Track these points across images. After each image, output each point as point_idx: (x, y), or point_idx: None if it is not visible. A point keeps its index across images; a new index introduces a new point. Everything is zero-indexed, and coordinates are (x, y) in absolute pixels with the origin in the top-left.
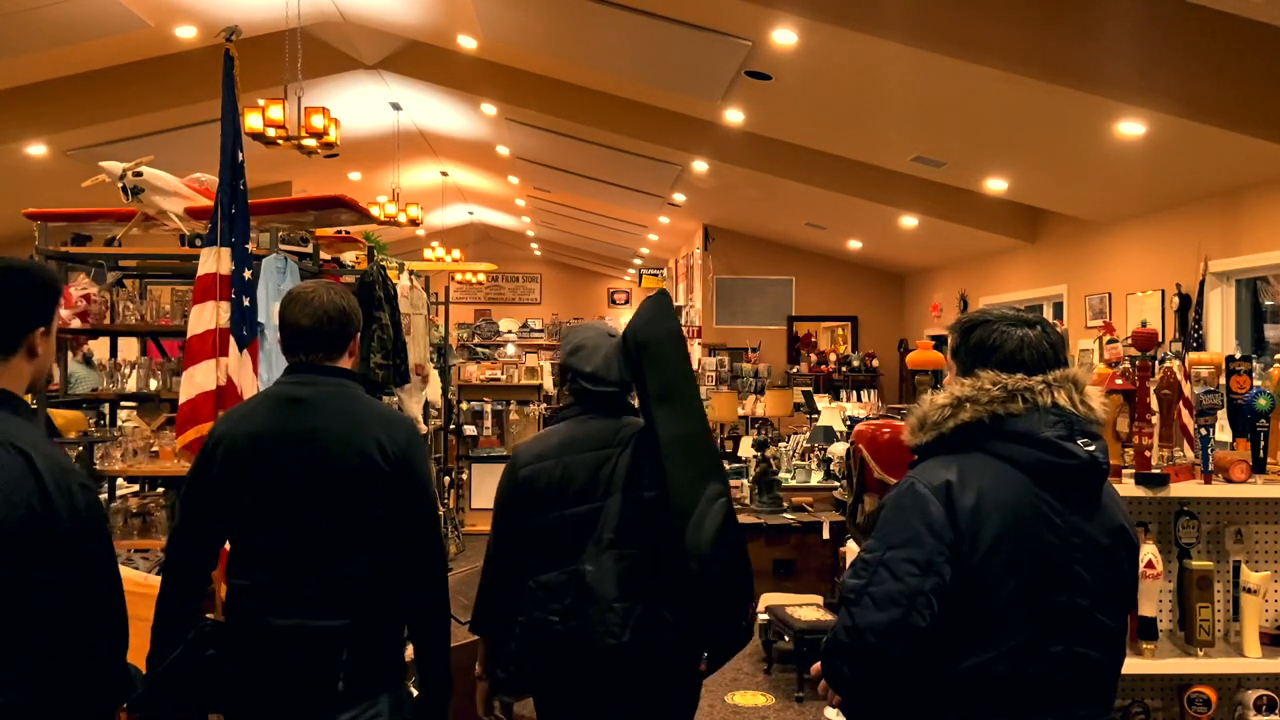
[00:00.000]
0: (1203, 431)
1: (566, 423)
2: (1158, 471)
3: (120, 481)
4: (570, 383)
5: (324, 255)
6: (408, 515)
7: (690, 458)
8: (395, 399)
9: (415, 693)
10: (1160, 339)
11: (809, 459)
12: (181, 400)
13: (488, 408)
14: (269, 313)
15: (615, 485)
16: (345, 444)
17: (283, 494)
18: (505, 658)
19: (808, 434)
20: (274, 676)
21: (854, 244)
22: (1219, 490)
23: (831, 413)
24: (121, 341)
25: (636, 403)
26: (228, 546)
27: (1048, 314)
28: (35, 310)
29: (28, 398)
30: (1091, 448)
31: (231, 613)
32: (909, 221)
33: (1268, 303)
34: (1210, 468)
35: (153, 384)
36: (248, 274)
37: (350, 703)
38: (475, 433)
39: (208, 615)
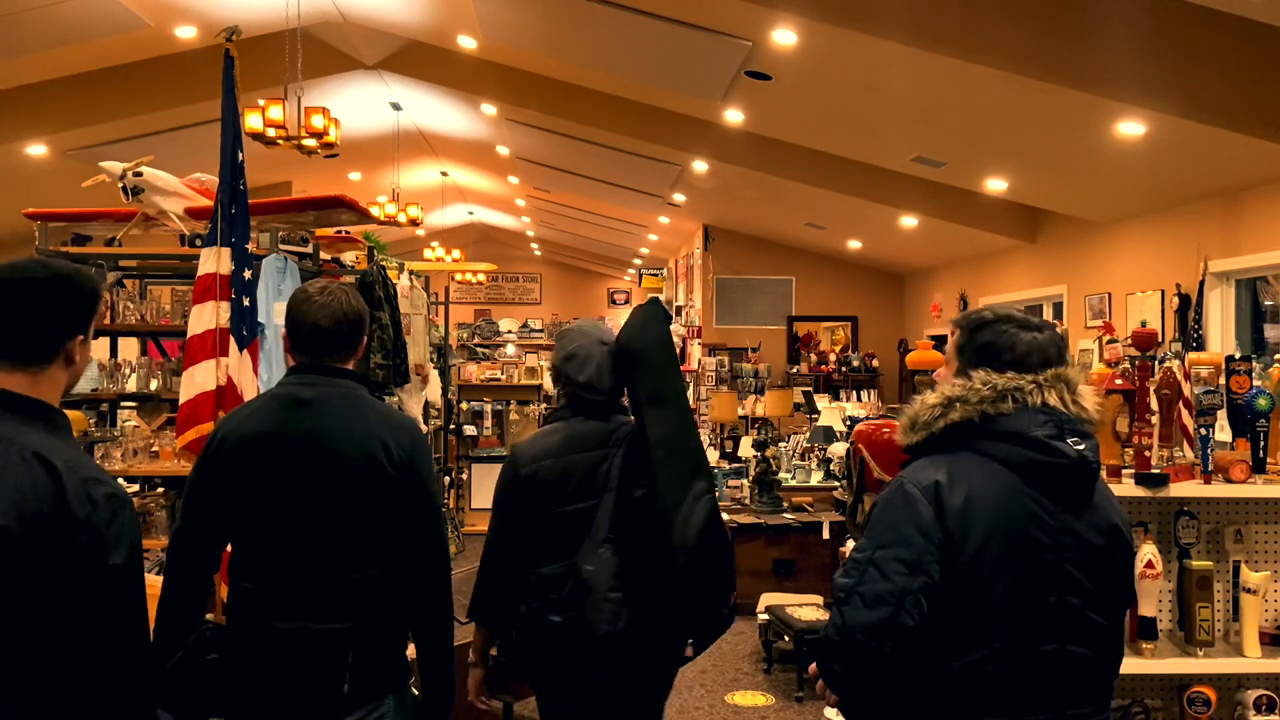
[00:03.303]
0: (1203, 431)
1: (564, 423)
2: (1157, 471)
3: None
4: (564, 387)
5: (324, 255)
6: (412, 517)
7: (676, 457)
8: (395, 399)
9: (417, 694)
10: (1160, 339)
11: (809, 459)
12: (181, 400)
13: (488, 408)
14: (269, 313)
15: (611, 484)
16: (350, 446)
17: (287, 495)
18: (506, 644)
19: (808, 434)
20: (277, 680)
21: (854, 244)
22: (1219, 490)
23: (831, 413)
24: (121, 341)
25: (626, 402)
26: (230, 548)
27: (1048, 314)
28: (76, 318)
29: None
30: (1081, 446)
31: (233, 615)
32: (909, 221)
33: (1267, 303)
34: (1210, 468)
35: (153, 384)
36: (248, 274)
37: (355, 705)
38: (475, 433)
39: (208, 617)
